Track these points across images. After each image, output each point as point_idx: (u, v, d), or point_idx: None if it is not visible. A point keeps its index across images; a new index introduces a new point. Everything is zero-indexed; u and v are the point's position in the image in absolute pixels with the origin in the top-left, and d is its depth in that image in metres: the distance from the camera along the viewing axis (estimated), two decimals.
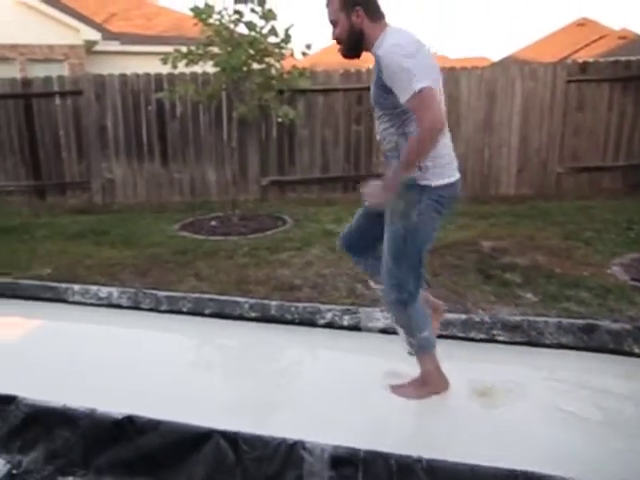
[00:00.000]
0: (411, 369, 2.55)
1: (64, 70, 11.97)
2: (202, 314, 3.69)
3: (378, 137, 2.42)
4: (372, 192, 2.30)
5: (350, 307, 3.45)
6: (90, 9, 14.47)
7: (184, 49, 5.77)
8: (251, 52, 5.65)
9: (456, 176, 2.34)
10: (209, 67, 6.05)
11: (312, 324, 3.44)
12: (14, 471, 2.11)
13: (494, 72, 7.81)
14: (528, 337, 3.10)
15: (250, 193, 7.71)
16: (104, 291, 3.96)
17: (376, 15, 2.23)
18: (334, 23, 2.27)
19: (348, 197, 7.22)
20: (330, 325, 3.41)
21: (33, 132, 7.76)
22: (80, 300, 3.98)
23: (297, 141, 7.80)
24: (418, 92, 2.03)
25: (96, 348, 3.25)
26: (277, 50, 5.85)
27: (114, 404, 2.24)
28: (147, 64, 8.54)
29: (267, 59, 5.89)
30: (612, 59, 8.66)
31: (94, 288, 3.99)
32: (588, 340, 3.02)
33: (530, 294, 3.63)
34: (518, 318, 3.18)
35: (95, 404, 2.24)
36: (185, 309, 3.75)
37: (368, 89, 2.48)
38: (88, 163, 7.85)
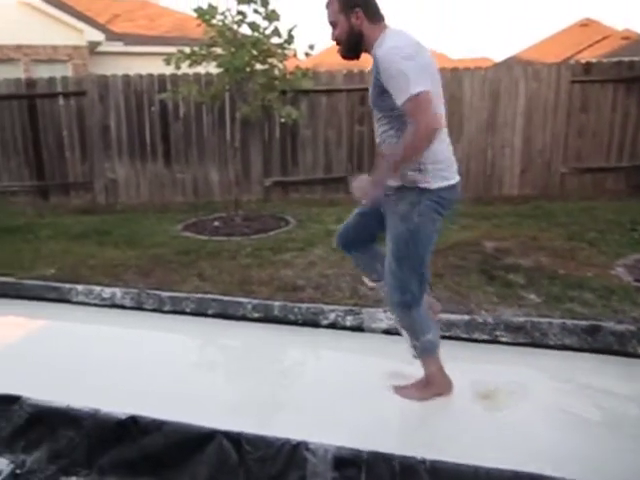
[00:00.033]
0: (414, 370, 2.54)
1: (68, 71, 12.01)
2: (205, 314, 3.70)
3: (377, 140, 2.42)
4: (361, 187, 2.31)
5: (353, 308, 3.44)
6: (94, 10, 14.51)
7: (187, 50, 5.77)
8: (254, 53, 5.65)
9: (456, 179, 2.34)
10: (212, 68, 6.05)
11: (315, 325, 3.45)
12: (18, 471, 2.11)
13: (497, 73, 7.81)
14: (531, 338, 3.10)
15: (253, 193, 7.72)
16: (107, 291, 3.97)
17: (375, 17, 2.24)
18: (334, 24, 2.28)
19: (351, 198, 7.18)
20: (333, 326, 3.42)
21: (37, 132, 7.78)
22: (84, 300, 4.00)
23: (300, 141, 7.81)
24: (415, 95, 2.03)
25: (99, 348, 3.26)
26: (280, 51, 5.85)
27: (117, 404, 2.24)
28: (150, 65, 8.56)
29: (270, 60, 5.90)
30: (615, 60, 8.64)
31: (98, 288, 4.00)
32: (592, 341, 3.01)
33: (533, 295, 3.62)
34: (521, 319, 3.17)
35: (98, 404, 2.24)
36: (188, 309, 3.76)
37: None
38: (91, 163, 7.87)
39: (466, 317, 3.23)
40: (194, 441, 2.07)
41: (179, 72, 6.30)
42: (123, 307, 3.90)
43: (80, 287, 4.04)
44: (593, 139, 7.75)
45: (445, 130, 2.30)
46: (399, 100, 2.08)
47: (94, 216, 6.99)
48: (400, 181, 2.27)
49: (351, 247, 2.70)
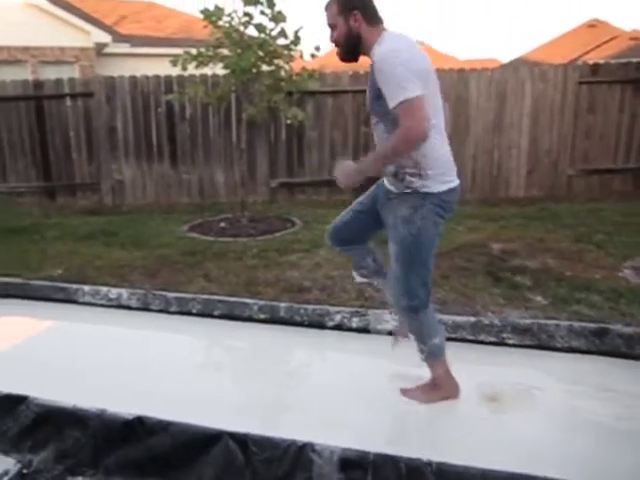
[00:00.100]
0: (421, 371, 2.54)
1: (75, 72, 12.07)
2: (211, 315, 3.70)
3: (376, 143, 2.42)
4: (343, 172, 2.32)
5: (359, 309, 3.44)
6: (100, 12, 14.57)
7: (194, 51, 5.79)
8: (260, 54, 5.66)
9: (456, 181, 2.33)
10: (219, 69, 6.07)
11: (321, 326, 3.44)
12: (25, 470, 2.12)
13: (504, 74, 7.79)
14: (538, 340, 3.08)
15: (259, 195, 7.73)
16: (114, 292, 3.98)
17: (374, 20, 2.24)
18: (332, 27, 2.29)
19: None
20: (339, 327, 3.41)
21: (44, 133, 7.82)
22: (90, 301, 4.01)
23: (306, 143, 7.81)
24: (407, 100, 2.03)
25: (106, 349, 3.27)
26: (286, 52, 5.86)
27: (124, 405, 2.25)
28: (157, 66, 8.59)
29: (276, 61, 5.91)
30: (623, 61, 8.60)
31: (104, 289, 4.01)
32: (599, 344, 3.00)
33: (540, 297, 3.61)
34: (528, 321, 3.16)
35: (105, 404, 2.25)
36: (194, 310, 3.76)
37: None
38: (98, 164, 7.90)
39: (472, 319, 3.22)
40: (200, 442, 2.07)
41: (186, 73, 6.31)
42: (129, 308, 3.91)
43: (87, 288, 4.05)
44: (600, 140, 7.71)
45: (444, 133, 2.30)
46: (391, 103, 2.08)
47: (101, 217, 7.02)
48: (401, 187, 2.28)
49: (343, 243, 2.70)
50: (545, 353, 3.03)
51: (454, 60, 23.33)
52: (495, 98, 7.62)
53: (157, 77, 7.70)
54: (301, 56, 6.33)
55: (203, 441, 2.07)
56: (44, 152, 7.87)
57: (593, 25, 20.43)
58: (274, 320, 3.55)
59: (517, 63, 17.99)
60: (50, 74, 9.29)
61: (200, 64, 5.85)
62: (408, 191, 2.27)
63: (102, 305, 3.98)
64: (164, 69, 7.17)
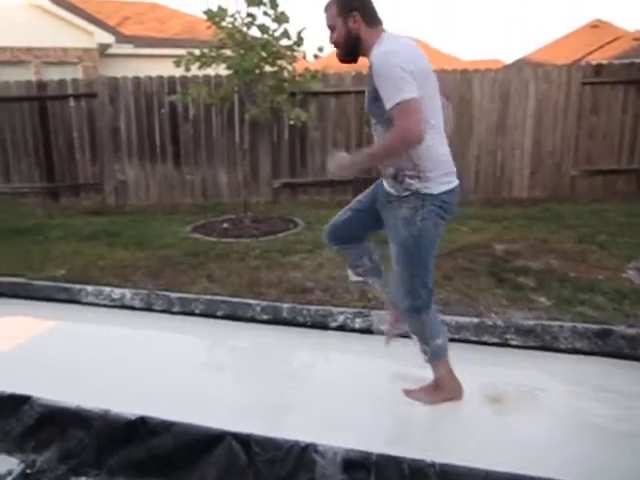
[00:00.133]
0: (424, 372, 2.53)
1: (78, 73, 12.10)
2: (214, 316, 3.70)
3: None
4: (337, 163, 2.33)
5: (362, 310, 3.44)
6: (104, 12, 14.59)
7: (197, 52, 5.79)
8: (263, 55, 5.66)
9: (455, 182, 2.33)
10: (222, 70, 6.07)
11: (324, 327, 3.44)
12: (28, 470, 2.12)
13: (507, 74, 7.78)
14: (542, 341, 3.08)
15: (262, 195, 7.73)
16: (117, 292, 3.98)
17: (373, 21, 2.25)
18: (332, 28, 2.29)
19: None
20: (342, 328, 3.41)
21: (47, 134, 7.84)
22: (93, 301, 4.02)
23: (309, 143, 7.81)
24: (403, 101, 2.03)
25: (109, 349, 3.28)
26: (289, 53, 5.86)
27: (127, 405, 2.25)
28: (160, 67, 8.62)
29: (279, 62, 5.90)
30: (627, 61, 8.59)
31: (107, 289, 4.02)
32: (603, 345, 2.99)
33: (544, 298, 3.60)
34: (532, 322, 3.15)
35: (108, 405, 2.25)
36: (197, 311, 3.76)
37: None
38: (101, 165, 7.91)
39: (475, 320, 3.21)
40: (203, 442, 2.07)
41: (189, 74, 6.32)
42: (132, 308, 3.92)
43: (90, 288, 4.06)
44: (604, 141, 7.70)
45: (443, 133, 2.30)
46: (387, 104, 2.08)
47: (104, 217, 7.03)
48: (401, 190, 2.28)
49: (341, 242, 2.69)
50: (549, 354, 3.02)
51: (457, 61, 23.30)
52: (498, 99, 7.62)
53: (160, 78, 7.72)
54: (304, 57, 6.31)
55: (206, 441, 2.07)
56: (47, 153, 7.89)
57: (596, 25, 20.39)
58: (277, 321, 3.55)
59: (520, 64, 17.96)
60: (53, 75, 9.31)
61: (203, 65, 5.86)
62: (408, 193, 2.27)
63: (105, 305, 3.98)
64: (167, 70, 7.20)
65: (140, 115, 7.79)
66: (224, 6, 5.61)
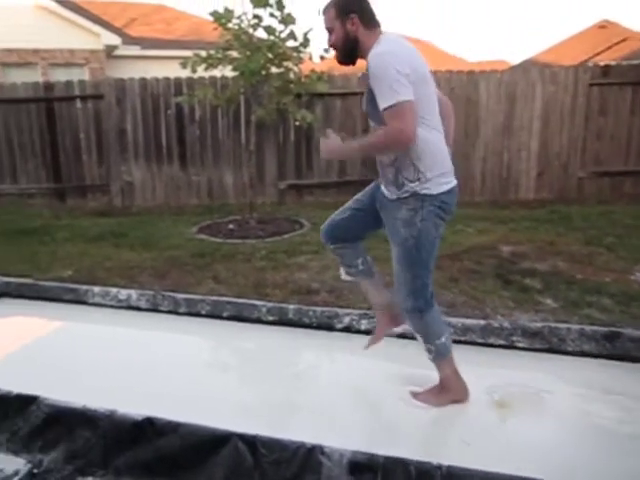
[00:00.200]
0: (429, 374, 2.52)
1: (85, 74, 12.17)
2: (220, 317, 3.70)
3: None
4: (329, 147, 2.36)
5: (368, 311, 3.42)
6: (110, 14, 14.67)
7: (203, 53, 5.81)
8: (270, 56, 5.67)
9: (454, 182, 2.32)
10: (228, 71, 6.09)
11: (330, 328, 3.44)
12: (35, 470, 2.13)
13: (514, 75, 7.76)
14: (549, 344, 3.06)
15: (267, 196, 7.74)
16: (123, 293, 3.99)
17: (371, 23, 2.25)
18: (330, 30, 2.30)
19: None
20: (348, 329, 3.41)
21: (54, 135, 7.89)
22: (100, 302, 4.03)
23: (314, 145, 7.80)
24: (398, 104, 2.04)
25: (115, 350, 3.28)
26: (295, 54, 5.87)
27: (133, 405, 2.26)
28: (167, 68, 8.64)
29: (285, 63, 5.91)
30: (635, 62, 8.55)
31: (114, 290, 4.03)
32: (610, 348, 2.97)
33: (550, 300, 3.59)
34: (539, 324, 3.14)
35: (114, 405, 2.26)
36: (203, 312, 3.77)
37: None
38: (108, 166, 7.95)
39: (482, 322, 3.20)
40: (210, 443, 2.07)
41: (195, 75, 6.33)
42: (139, 309, 3.93)
43: (96, 289, 4.07)
44: (611, 142, 7.67)
45: (441, 133, 2.30)
46: (381, 105, 2.08)
47: (110, 218, 7.06)
48: (400, 192, 2.28)
49: (337, 241, 2.67)
50: (555, 357, 3.00)
51: (462, 62, 23.25)
52: (505, 100, 7.60)
53: (167, 79, 7.74)
54: (310, 58, 6.32)
55: (212, 442, 2.07)
56: (54, 154, 7.93)
57: (604, 26, 20.27)
58: (283, 322, 3.55)
59: (527, 65, 17.91)
60: (60, 76, 9.38)
61: (209, 66, 5.87)
62: (407, 194, 2.27)
63: (112, 306, 3.99)
64: (174, 71, 7.22)
65: (146, 116, 7.82)
66: (230, 8, 5.63)
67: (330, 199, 7.71)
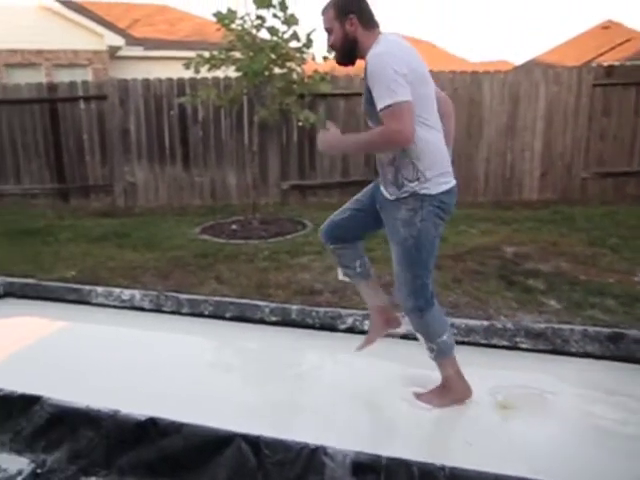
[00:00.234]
0: (432, 374, 2.52)
1: (88, 75, 12.19)
2: (223, 317, 3.70)
3: None
4: (328, 141, 2.40)
5: None
6: (113, 15, 14.70)
7: (206, 54, 5.82)
8: (273, 57, 5.67)
9: (453, 182, 2.32)
10: (231, 72, 6.09)
11: (333, 329, 3.44)
12: (38, 470, 2.13)
13: (517, 76, 7.76)
14: (552, 345, 3.05)
15: (270, 197, 7.74)
16: (127, 293, 4.00)
17: (370, 24, 2.26)
18: (329, 31, 2.31)
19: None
20: (351, 330, 3.40)
21: (58, 136, 7.90)
22: (103, 302, 4.03)
23: (317, 145, 7.80)
24: (395, 104, 2.03)
25: (118, 350, 3.28)
26: (298, 55, 5.87)
27: (136, 406, 2.26)
28: (170, 69, 8.65)
29: (288, 63, 5.92)
30: (638, 62, 8.53)
31: (117, 290, 4.03)
32: (614, 349, 2.96)
33: (554, 301, 3.58)
34: (542, 325, 3.13)
35: (117, 405, 2.25)
36: (206, 312, 3.77)
37: None
38: (111, 167, 7.96)
39: (485, 323, 3.19)
40: (213, 444, 2.07)
41: (198, 76, 6.34)
42: (142, 309, 3.93)
43: (100, 289, 4.08)
44: (615, 143, 7.65)
45: (441, 131, 2.30)
46: (379, 105, 2.08)
47: (113, 219, 7.07)
48: (399, 193, 2.28)
49: (337, 241, 2.67)
50: (559, 358, 2.99)
51: (465, 62, 23.24)
52: (508, 100, 7.59)
53: (170, 80, 7.75)
54: (313, 59, 6.33)
55: (216, 443, 2.07)
56: (58, 154, 7.95)
57: (607, 26, 20.23)
58: (285, 322, 3.54)
59: (530, 65, 17.88)
60: (64, 77, 9.41)
61: (212, 67, 5.88)
62: (406, 194, 2.27)
63: (115, 306, 4.00)
64: (177, 72, 7.24)
65: (150, 117, 7.83)
66: (234, 8, 5.64)
67: (333, 200, 7.71)
